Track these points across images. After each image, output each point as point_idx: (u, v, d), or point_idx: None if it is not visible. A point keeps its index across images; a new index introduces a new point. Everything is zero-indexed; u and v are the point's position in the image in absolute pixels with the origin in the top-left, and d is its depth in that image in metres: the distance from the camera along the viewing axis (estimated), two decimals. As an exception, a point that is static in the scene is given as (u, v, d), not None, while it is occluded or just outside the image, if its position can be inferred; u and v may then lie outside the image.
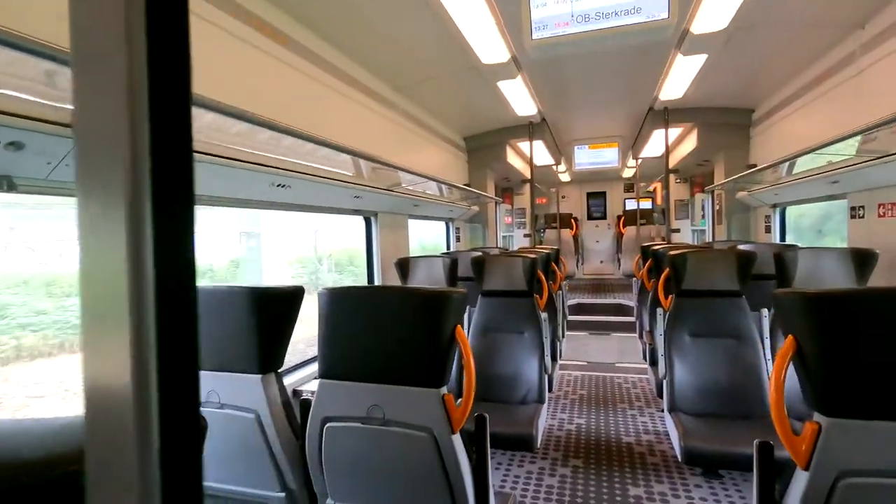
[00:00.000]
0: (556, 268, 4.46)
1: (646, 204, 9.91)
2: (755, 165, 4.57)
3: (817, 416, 1.15)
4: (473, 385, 1.58)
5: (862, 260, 2.53)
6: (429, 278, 3.31)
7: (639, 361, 5.53)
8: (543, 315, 3.10)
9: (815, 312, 1.13)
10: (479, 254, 3.38)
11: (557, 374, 3.83)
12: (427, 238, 7.12)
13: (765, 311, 2.75)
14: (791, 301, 1.18)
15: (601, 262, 11.43)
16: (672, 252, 2.90)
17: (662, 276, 3.06)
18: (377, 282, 3.97)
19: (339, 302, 1.67)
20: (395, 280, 3.55)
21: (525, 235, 9.11)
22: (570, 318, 7.64)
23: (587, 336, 7.06)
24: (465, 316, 3.31)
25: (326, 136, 2.34)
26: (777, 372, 1.20)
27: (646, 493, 2.80)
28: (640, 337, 4.45)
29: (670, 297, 2.97)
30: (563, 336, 4.80)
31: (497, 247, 6.55)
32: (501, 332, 3.17)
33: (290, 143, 2.22)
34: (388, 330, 1.60)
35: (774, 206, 4.37)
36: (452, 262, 3.34)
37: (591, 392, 4.63)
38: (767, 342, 2.69)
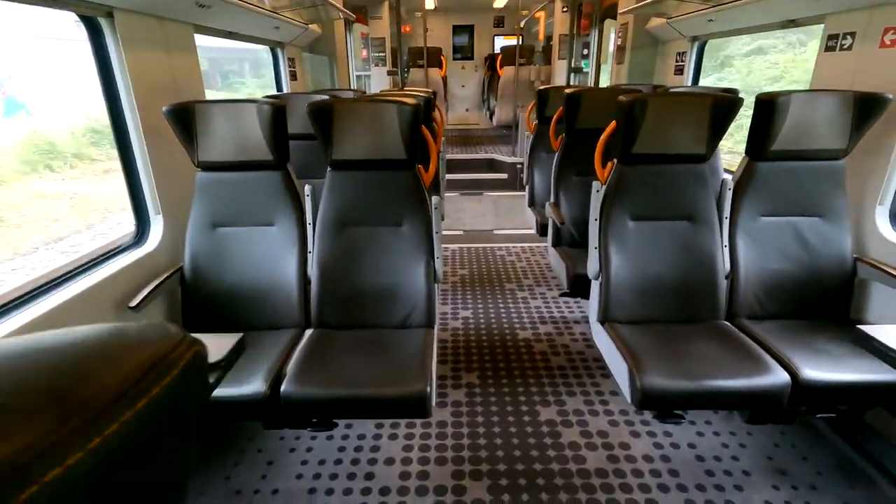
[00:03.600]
0: (436, 119, 3.27)
1: (513, 42, 8.69)
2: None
3: None
4: None
5: (865, 108, 1.86)
6: (236, 138, 1.91)
7: (520, 227, 4.95)
8: (434, 199, 2.00)
9: None
10: (326, 98, 2.00)
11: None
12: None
13: (727, 178, 2.04)
14: None
15: (467, 109, 10.37)
16: (625, 98, 1.93)
17: (603, 137, 2.12)
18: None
19: None
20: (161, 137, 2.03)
21: (390, 72, 7.36)
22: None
23: (459, 197, 6.27)
24: (307, 201, 2.06)
25: None
26: None
27: (559, 413, 2.21)
28: (530, 204, 3.71)
29: (610, 165, 2.07)
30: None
31: (351, 89, 4.98)
32: (367, 225, 2.03)
33: None
34: None
35: (694, 39, 3.60)
36: (276, 111, 1.94)
37: (473, 271, 3.90)
38: (726, 223, 2.04)
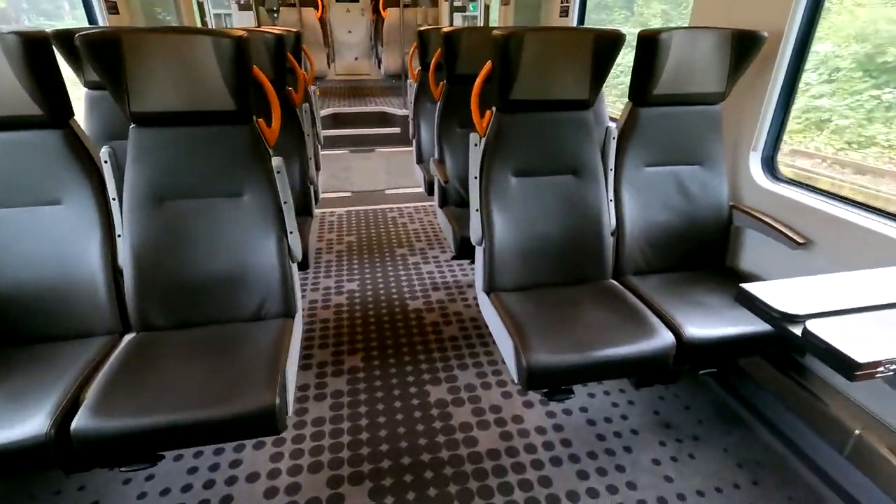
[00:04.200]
0: (295, 64, 2.78)
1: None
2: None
3: None
4: None
5: (742, 47, 1.77)
6: None
7: (413, 186, 4.65)
8: (275, 161, 1.60)
9: None
10: (107, 28, 1.48)
11: (314, 229, 2.54)
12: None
13: (612, 126, 1.89)
14: None
15: (356, 58, 9.58)
16: (500, 32, 1.65)
17: (479, 81, 1.84)
18: None
19: None
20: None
21: (243, 7, 6.32)
22: (325, 132, 6.12)
23: (348, 155, 5.78)
24: (105, 168, 1.55)
25: None
26: None
27: (450, 391, 2.03)
28: (418, 161, 3.41)
29: (489, 114, 1.81)
30: (318, 168, 3.40)
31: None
32: (194, 197, 1.60)
33: None
34: None
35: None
36: (34, 43, 1.40)
37: (361, 237, 3.56)
38: (611, 175, 1.90)
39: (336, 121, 6.41)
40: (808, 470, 1.67)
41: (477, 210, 1.82)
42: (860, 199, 1.65)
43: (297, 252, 1.70)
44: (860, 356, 0.98)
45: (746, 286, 1.26)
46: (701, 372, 1.66)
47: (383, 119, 6.44)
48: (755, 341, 1.59)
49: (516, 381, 1.52)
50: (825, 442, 1.64)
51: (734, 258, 2.07)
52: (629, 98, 1.93)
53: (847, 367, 0.98)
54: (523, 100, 1.76)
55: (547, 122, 1.82)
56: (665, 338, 1.53)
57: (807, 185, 1.82)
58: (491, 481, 1.64)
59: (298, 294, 1.79)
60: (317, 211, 3.95)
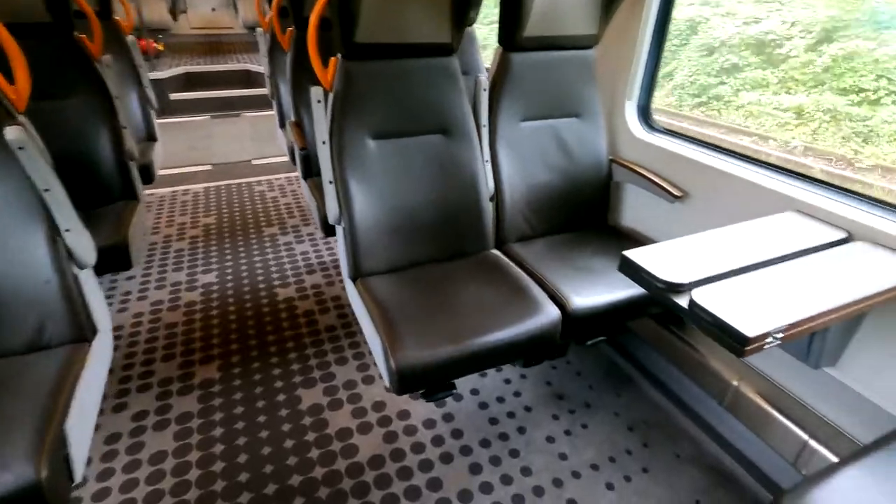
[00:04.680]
0: (84, 5, 2.15)
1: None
2: None
3: None
4: None
5: None
6: None
7: (284, 154, 4.13)
8: (10, 131, 1.11)
9: None
10: None
11: (140, 217, 2.04)
12: None
13: (482, 77, 1.65)
14: None
15: (213, 9, 8.36)
16: None
17: (313, 20, 1.46)
18: None
19: None
20: None
21: None
22: (176, 96, 5.24)
23: (209, 122, 5.02)
24: None
25: None
26: None
27: (327, 391, 1.76)
28: (282, 126, 2.95)
29: (333, 62, 1.47)
30: (153, 138, 2.81)
31: None
32: None
33: None
34: None
35: None
36: None
37: (222, 217, 3.06)
38: (486, 132, 1.67)
39: (191, 82, 5.53)
40: (693, 423, 1.67)
41: (331, 182, 1.50)
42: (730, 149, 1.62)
43: (86, 254, 1.27)
44: (748, 329, 0.87)
45: (629, 254, 1.12)
46: (589, 342, 1.57)
47: (247, 79, 5.69)
48: (641, 304, 1.51)
49: (387, 385, 1.29)
50: (707, 394, 1.64)
51: (616, 215, 2.00)
52: (499, 42, 1.70)
53: (738, 341, 0.87)
54: (371, 43, 1.44)
55: (405, 71, 1.53)
56: (550, 313, 1.38)
57: (682, 135, 1.76)
58: (373, 496, 1.42)
59: (101, 308, 1.37)
60: (152, 192, 3.33)
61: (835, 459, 1.31)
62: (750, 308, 0.92)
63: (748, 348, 0.85)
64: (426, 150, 1.59)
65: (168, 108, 5.11)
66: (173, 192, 3.41)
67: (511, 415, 1.71)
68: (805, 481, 0.88)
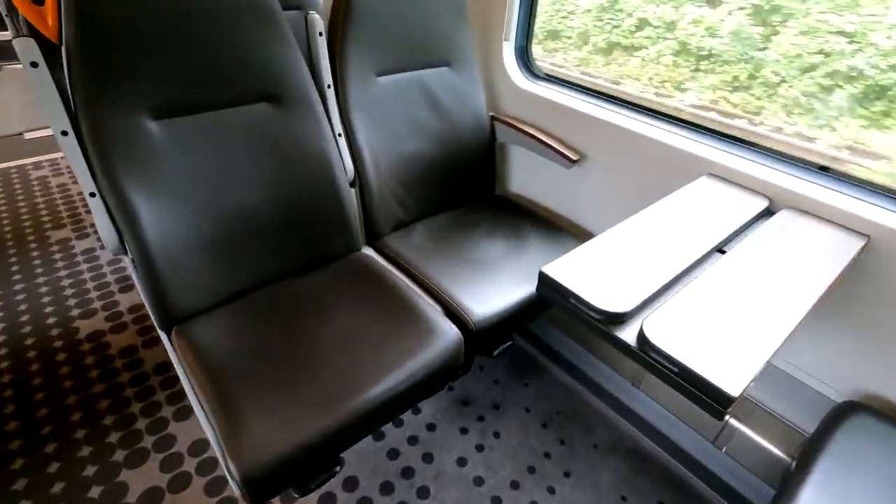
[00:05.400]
0: None
1: None
2: None
3: None
4: None
5: None
6: None
7: None
8: None
9: None
10: None
11: None
12: None
13: (314, 15, 1.17)
14: None
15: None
16: None
17: None
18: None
19: None
20: None
21: None
22: None
23: None
24: None
25: None
26: None
27: (165, 466, 1.31)
28: None
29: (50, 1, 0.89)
30: None
31: None
32: None
33: None
34: None
35: None
36: None
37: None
38: (331, 95, 1.21)
39: None
40: (607, 406, 1.56)
41: (92, 195, 0.97)
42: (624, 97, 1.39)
43: None
44: (728, 383, 0.65)
45: (548, 271, 0.83)
46: (496, 353, 1.31)
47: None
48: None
49: (236, 493, 0.90)
50: (621, 375, 1.52)
51: (503, 182, 1.72)
52: None
53: (718, 401, 0.65)
54: None
55: (190, 11, 0.99)
56: (449, 334, 1.07)
57: (569, 83, 1.49)
58: None
59: None
60: None
61: (755, 436, 1.26)
62: (715, 343, 0.70)
63: (729, 409, 0.63)
64: (246, 127, 1.11)
65: None
66: None
67: (413, 440, 1.43)
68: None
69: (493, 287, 1.22)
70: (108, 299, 1.83)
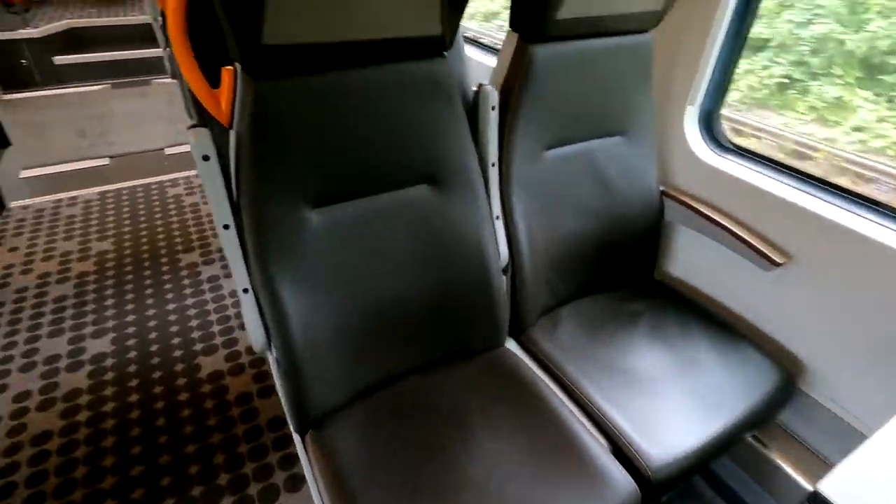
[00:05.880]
0: None
1: None
2: None
3: None
4: None
5: None
6: None
7: None
8: None
9: None
10: None
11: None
12: None
13: (489, 88, 1.04)
14: None
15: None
16: None
17: (173, 4, 0.80)
18: None
19: None
20: None
21: None
22: (63, 60, 4.17)
23: (108, 93, 4.03)
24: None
25: None
26: None
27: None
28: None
29: (228, 77, 0.82)
30: (8, 140, 2.01)
31: None
32: None
33: None
34: None
35: None
36: None
37: (122, 241, 2.32)
38: (494, 173, 1.07)
39: (78, 41, 4.41)
40: None
41: (245, 291, 0.89)
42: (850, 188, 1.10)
43: None
44: None
45: (825, 490, 0.61)
46: (664, 498, 1.08)
47: (149, 35, 4.62)
48: (741, 429, 1.03)
49: None
50: None
51: (662, 263, 1.48)
52: (512, 27, 1.08)
53: None
54: (294, 45, 0.79)
55: (359, 88, 0.89)
56: (621, 488, 0.87)
57: (772, 161, 1.23)
58: None
59: None
60: (23, 203, 2.51)
61: None
62: None
63: None
64: (403, 211, 0.99)
65: (48, 75, 4.06)
66: (55, 202, 2.60)
67: None
68: None
69: (669, 416, 1.00)
70: (228, 335, 1.84)
